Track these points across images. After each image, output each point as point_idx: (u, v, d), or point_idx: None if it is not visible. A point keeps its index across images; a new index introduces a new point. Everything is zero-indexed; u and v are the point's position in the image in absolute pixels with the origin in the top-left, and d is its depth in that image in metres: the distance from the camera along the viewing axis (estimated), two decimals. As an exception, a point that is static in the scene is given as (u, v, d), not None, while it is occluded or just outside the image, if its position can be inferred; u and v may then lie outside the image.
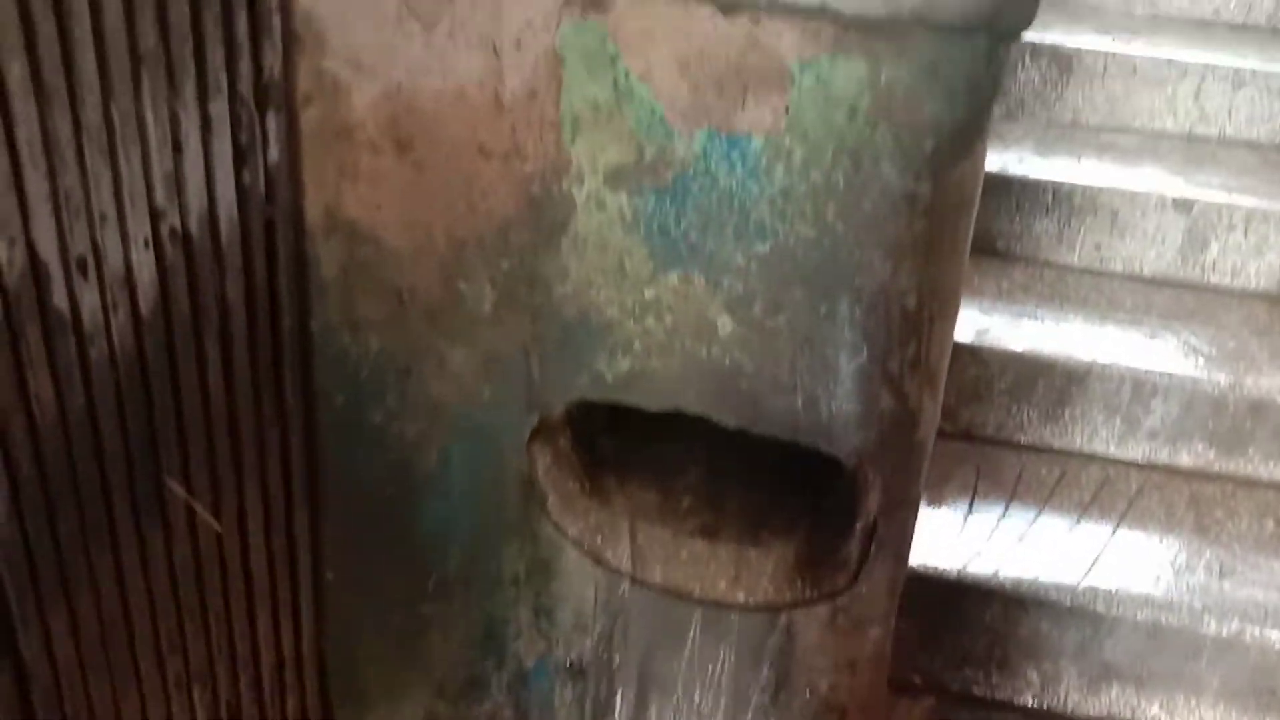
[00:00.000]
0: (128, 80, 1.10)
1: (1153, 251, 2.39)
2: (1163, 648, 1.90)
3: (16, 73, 0.98)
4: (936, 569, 1.91)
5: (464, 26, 1.29)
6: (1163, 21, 2.78)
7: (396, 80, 1.32)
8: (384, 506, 1.57)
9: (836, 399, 1.39)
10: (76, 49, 1.03)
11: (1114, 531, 2.04)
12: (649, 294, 1.38)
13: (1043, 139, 2.55)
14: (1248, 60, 2.57)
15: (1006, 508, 2.07)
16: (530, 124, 1.32)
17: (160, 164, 1.15)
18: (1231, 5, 2.79)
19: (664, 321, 1.39)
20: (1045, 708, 1.95)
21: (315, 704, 1.66)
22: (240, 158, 1.26)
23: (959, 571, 1.92)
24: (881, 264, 1.31)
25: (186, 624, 1.37)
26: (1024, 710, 1.95)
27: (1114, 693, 1.95)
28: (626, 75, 1.27)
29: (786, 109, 1.26)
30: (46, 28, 1.00)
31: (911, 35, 1.19)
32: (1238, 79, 2.55)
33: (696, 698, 1.58)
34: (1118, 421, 2.18)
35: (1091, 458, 2.20)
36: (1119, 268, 2.41)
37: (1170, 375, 2.14)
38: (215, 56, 1.20)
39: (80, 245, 1.08)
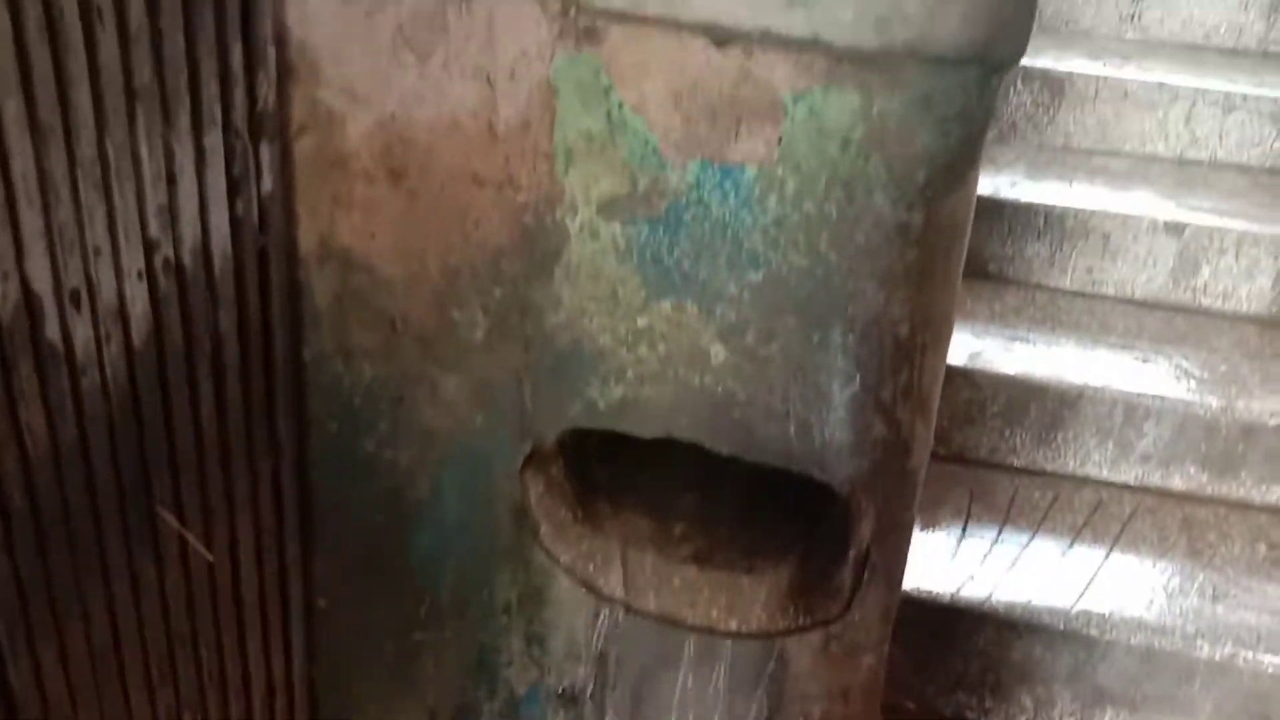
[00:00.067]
0: (122, 114, 1.10)
1: (1144, 275, 2.41)
2: (1156, 672, 1.90)
3: (12, 110, 0.98)
4: (930, 593, 1.92)
5: (458, 57, 1.29)
6: (1154, 46, 2.80)
7: (390, 110, 1.33)
8: (376, 534, 1.57)
9: (829, 427, 1.39)
10: (72, 85, 1.03)
11: (1107, 555, 2.05)
12: (642, 322, 1.38)
13: (1035, 162, 2.57)
14: (1238, 85, 2.59)
15: (1000, 531, 2.07)
16: (524, 154, 1.33)
17: (154, 196, 1.15)
18: (1222, 30, 2.81)
19: (657, 350, 1.39)
20: (1038, 733, 1.96)
21: (307, 731, 1.65)
22: (234, 188, 1.26)
23: (952, 596, 1.92)
24: (874, 293, 1.31)
25: (177, 653, 1.37)
26: (1017, 735, 1.96)
27: (1107, 717, 1.96)
28: (620, 107, 1.28)
29: (779, 140, 1.26)
30: (42, 64, 1.00)
31: (904, 67, 1.20)
32: (1228, 103, 2.58)
33: (689, 725, 1.58)
34: (1110, 445, 2.19)
35: (1084, 481, 2.21)
36: (1111, 291, 2.43)
37: (1162, 398, 2.16)
38: (210, 88, 1.20)
39: (74, 278, 1.08)
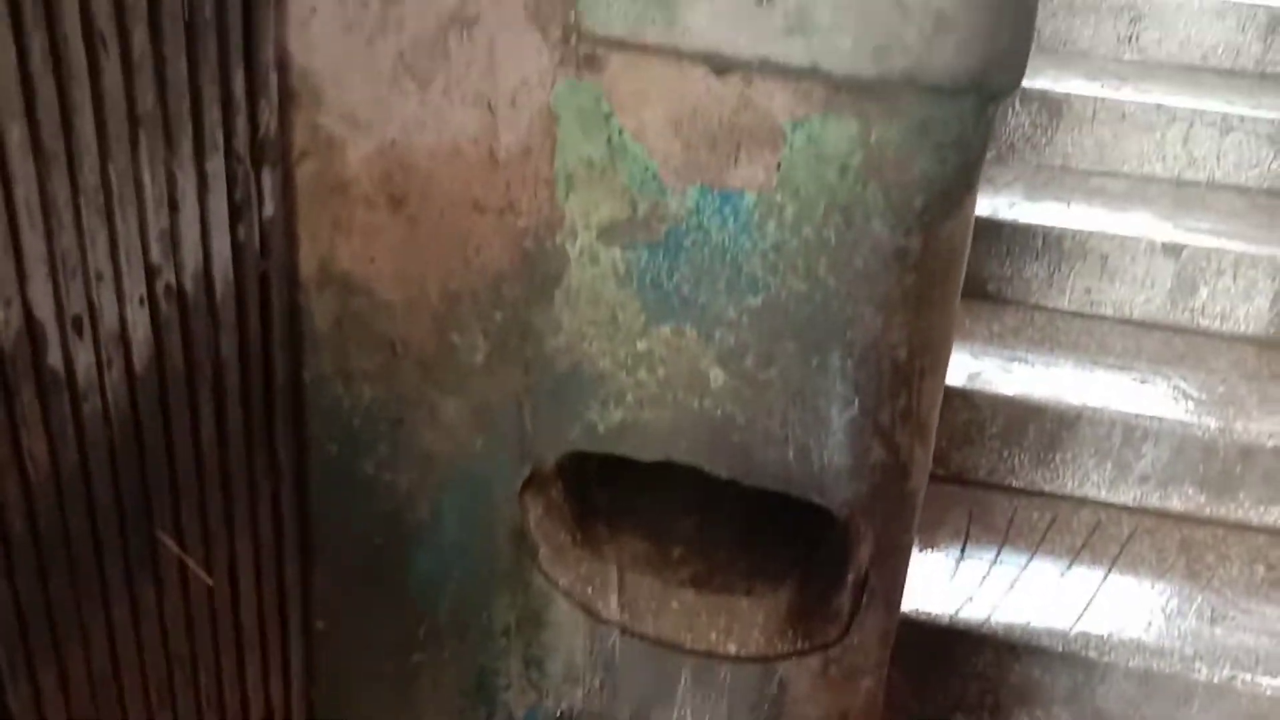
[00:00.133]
0: (125, 141, 1.11)
1: (1142, 296, 2.42)
2: (1154, 694, 1.90)
3: (16, 136, 0.99)
4: (929, 615, 1.91)
5: (459, 84, 1.30)
6: (1151, 67, 2.82)
7: (391, 136, 1.34)
8: (375, 556, 1.57)
9: (828, 450, 1.39)
10: (75, 112, 1.04)
11: (1105, 576, 2.05)
12: (641, 346, 1.38)
13: (1033, 183, 2.58)
14: (1235, 106, 2.60)
15: (998, 552, 2.07)
16: (524, 180, 1.33)
17: (156, 222, 1.16)
18: (1220, 51, 2.83)
19: (656, 373, 1.39)
20: (1037, 755, 1.95)
21: (305, 752, 1.65)
22: (235, 214, 1.27)
23: (951, 617, 1.92)
24: (872, 317, 1.32)
25: (176, 676, 1.37)
26: (1016, 758, 1.95)
27: (1106, 739, 1.95)
28: (620, 133, 1.29)
29: (778, 166, 1.27)
30: (46, 91, 1.01)
31: (902, 96, 1.21)
32: (1226, 124, 2.59)
33: (688, 748, 1.58)
34: (1109, 466, 2.19)
35: (1083, 501, 2.21)
36: (1109, 312, 2.44)
37: (1160, 420, 2.16)
38: (212, 115, 1.21)
39: (76, 305, 1.09)
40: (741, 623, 1.50)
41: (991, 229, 2.39)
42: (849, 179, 1.26)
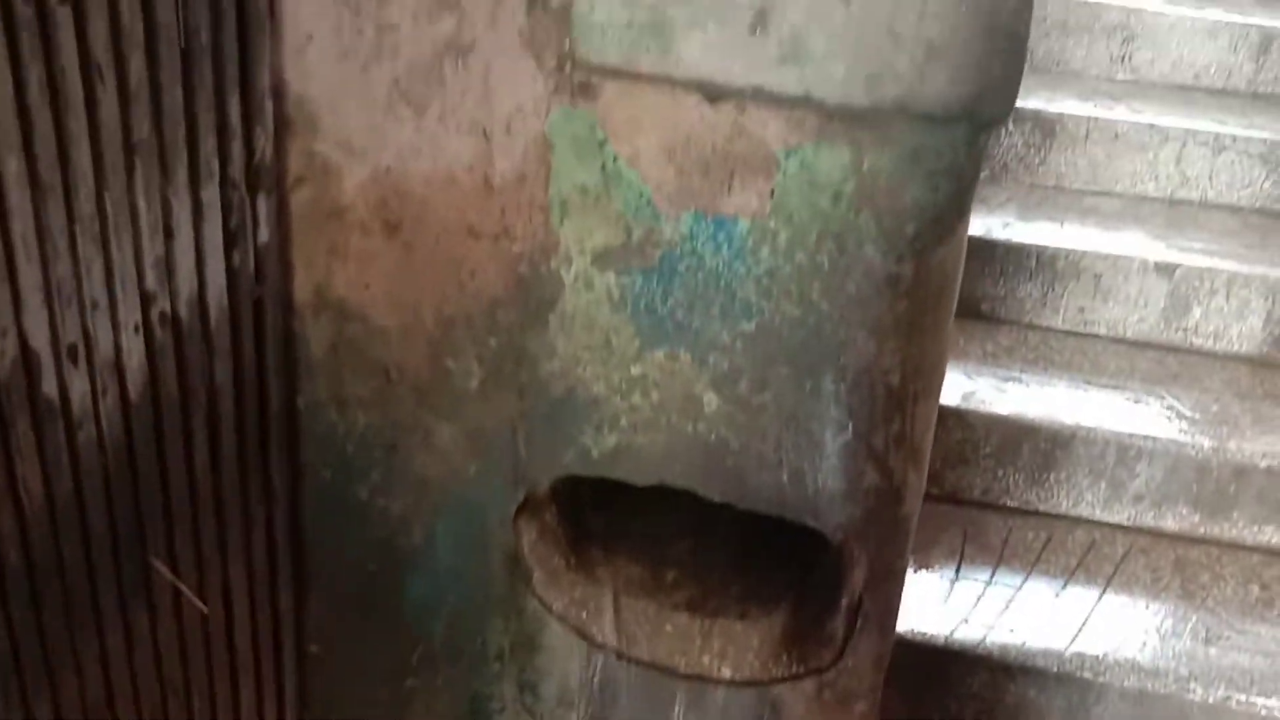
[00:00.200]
0: (121, 170, 1.11)
1: (1136, 315, 2.43)
2: (1149, 715, 1.90)
3: (13, 168, 0.99)
4: (924, 635, 1.92)
5: (455, 112, 1.31)
6: (1144, 87, 2.83)
7: (387, 163, 1.34)
8: (369, 581, 1.57)
9: (822, 475, 1.40)
10: (72, 142, 1.05)
11: (1100, 596, 2.05)
12: (636, 371, 1.39)
13: (1026, 203, 2.59)
14: (1228, 125, 2.62)
15: (993, 572, 2.08)
16: (519, 206, 1.34)
17: (151, 250, 1.16)
18: (1212, 71, 2.84)
19: (650, 398, 1.40)
20: (1033, 776, 1.95)
21: (298, 777, 1.65)
22: (231, 241, 1.27)
23: (946, 638, 1.92)
24: (865, 342, 1.32)
25: (170, 703, 1.37)
26: (1011, 779, 1.95)
27: (1102, 760, 1.95)
28: (615, 160, 1.29)
29: (772, 193, 1.28)
30: (43, 123, 1.02)
31: (894, 124, 1.21)
32: (1218, 144, 2.60)
33: (682, 772, 1.58)
34: (1103, 485, 2.20)
35: (1077, 521, 2.22)
36: (1102, 331, 2.44)
37: (1154, 439, 2.17)
38: (208, 142, 1.22)
39: (71, 333, 1.09)
40: (736, 646, 1.50)
41: (985, 249, 2.40)
42: (842, 206, 1.26)
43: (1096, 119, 2.61)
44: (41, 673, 1.17)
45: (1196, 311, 2.40)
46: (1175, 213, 2.60)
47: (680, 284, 1.34)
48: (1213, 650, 1.95)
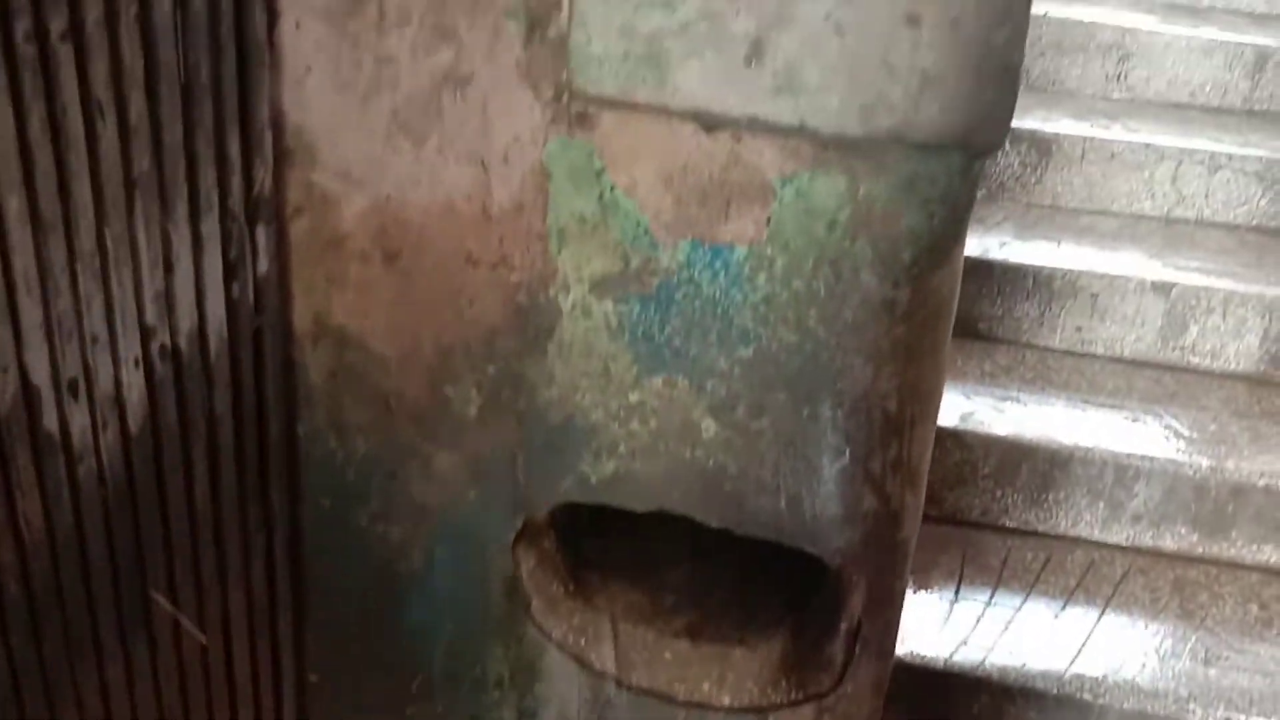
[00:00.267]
0: (121, 204, 1.12)
1: (1133, 334, 2.43)
2: (1150, 736, 1.90)
3: (14, 206, 1.00)
4: (924, 658, 1.92)
5: (453, 142, 1.32)
6: (1140, 105, 2.84)
7: (385, 192, 1.35)
8: (368, 608, 1.57)
9: (819, 500, 1.40)
10: (73, 179, 1.05)
11: (1100, 617, 2.05)
12: (634, 398, 1.39)
13: (1023, 222, 2.60)
14: (1224, 144, 2.63)
15: (992, 594, 2.08)
16: (517, 235, 1.35)
17: (151, 284, 1.17)
18: (1207, 89, 2.85)
19: (648, 424, 1.40)
20: (1033, 799, 1.95)
21: (298, 805, 1.64)
22: (230, 272, 1.28)
23: (946, 661, 1.92)
24: (862, 368, 1.33)
25: (170, 732, 1.37)
26: (1012, 802, 1.95)
27: (1102, 782, 1.95)
28: (612, 189, 1.30)
29: (768, 221, 1.29)
30: (44, 160, 1.02)
31: (888, 153, 1.22)
32: (1214, 162, 2.61)
33: (682, 798, 1.58)
34: (1101, 505, 2.20)
35: (1076, 541, 2.22)
36: (1100, 350, 2.45)
37: (1152, 459, 2.17)
38: (207, 175, 1.23)
39: (72, 368, 1.09)
40: (735, 673, 1.50)
41: (982, 268, 2.41)
42: (838, 233, 1.27)
43: (1092, 138, 2.62)
44: (42, 705, 1.17)
45: (1193, 330, 2.41)
46: (1172, 231, 2.61)
47: (678, 311, 1.35)
48: (1212, 671, 1.95)
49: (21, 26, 0.97)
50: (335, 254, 1.38)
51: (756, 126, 1.24)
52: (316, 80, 1.31)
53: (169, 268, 1.19)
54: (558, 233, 1.34)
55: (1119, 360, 2.44)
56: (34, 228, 1.03)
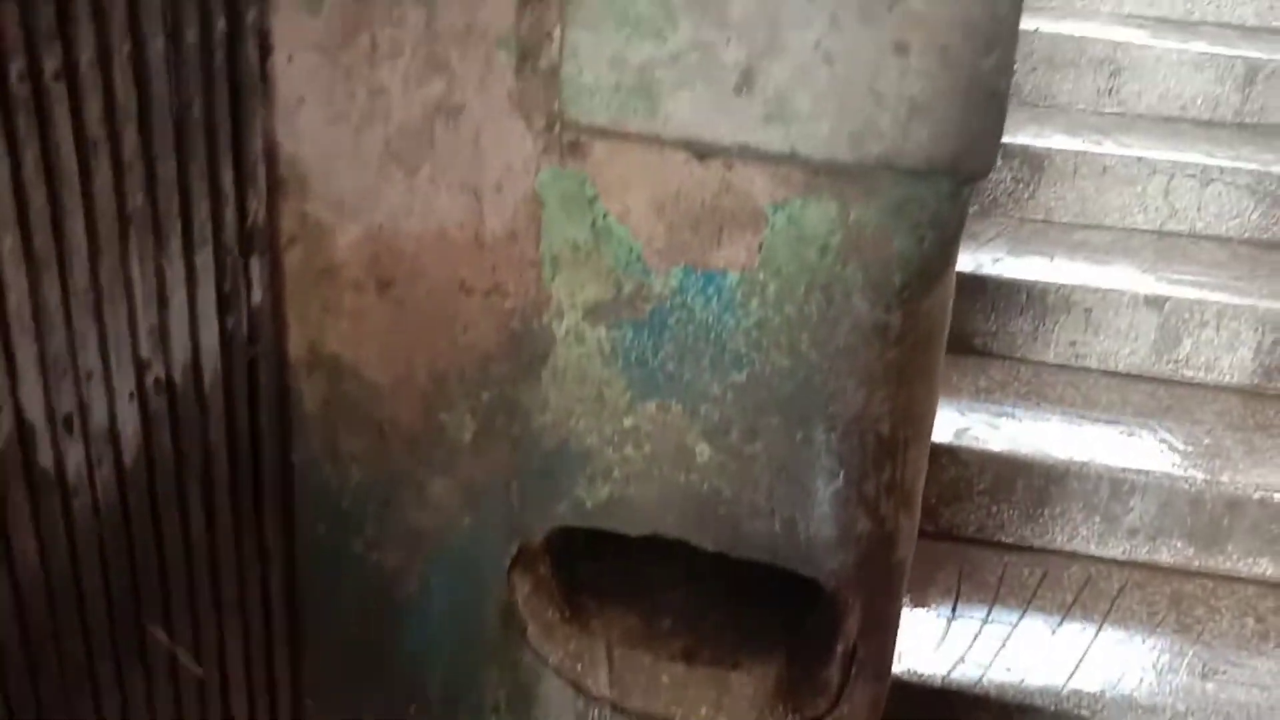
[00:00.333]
0: (115, 240, 1.12)
1: (1127, 348, 2.44)
2: (1148, 752, 1.90)
3: (9, 244, 1.01)
4: (920, 676, 1.92)
5: (445, 172, 1.32)
6: (1131, 119, 2.85)
7: (379, 222, 1.36)
8: (364, 635, 1.57)
9: (814, 523, 1.41)
10: (67, 217, 1.06)
11: (1097, 632, 2.05)
12: (628, 423, 1.40)
13: (1016, 237, 2.60)
14: (1215, 157, 2.64)
15: (989, 610, 2.08)
16: (511, 263, 1.35)
17: (146, 318, 1.17)
18: (1199, 102, 2.87)
19: (643, 449, 1.41)
20: (1032, 817, 1.94)
21: (296, 831, 1.64)
22: (224, 304, 1.29)
23: (944, 678, 1.92)
24: (855, 392, 1.34)
25: (167, 763, 1.37)
26: (1011, 820, 1.95)
27: (1101, 798, 1.95)
28: (605, 216, 1.31)
29: (760, 246, 1.29)
30: (39, 199, 1.03)
31: (878, 179, 1.23)
32: (1206, 175, 2.62)
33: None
34: (1097, 520, 2.20)
35: (1073, 556, 2.22)
36: (1094, 364, 2.45)
37: (1147, 473, 2.17)
38: (201, 208, 1.23)
39: (67, 404, 1.10)
40: (731, 696, 1.51)
41: (976, 284, 2.41)
42: (829, 258, 1.28)
43: (1085, 153, 2.63)
44: (38, 739, 1.17)
45: (1187, 344, 2.41)
46: (1164, 245, 2.62)
47: (671, 336, 1.35)
48: (1209, 685, 1.95)
49: (16, 67, 0.98)
50: (329, 283, 1.39)
51: (748, 154, 1.25)
52: (309, 112, 1.32)
53: (163, 301, 1.19)
54: (551, 260, 1.34)
55: (1113, 374, 2.45)
56: (28, 265, 1.03)
